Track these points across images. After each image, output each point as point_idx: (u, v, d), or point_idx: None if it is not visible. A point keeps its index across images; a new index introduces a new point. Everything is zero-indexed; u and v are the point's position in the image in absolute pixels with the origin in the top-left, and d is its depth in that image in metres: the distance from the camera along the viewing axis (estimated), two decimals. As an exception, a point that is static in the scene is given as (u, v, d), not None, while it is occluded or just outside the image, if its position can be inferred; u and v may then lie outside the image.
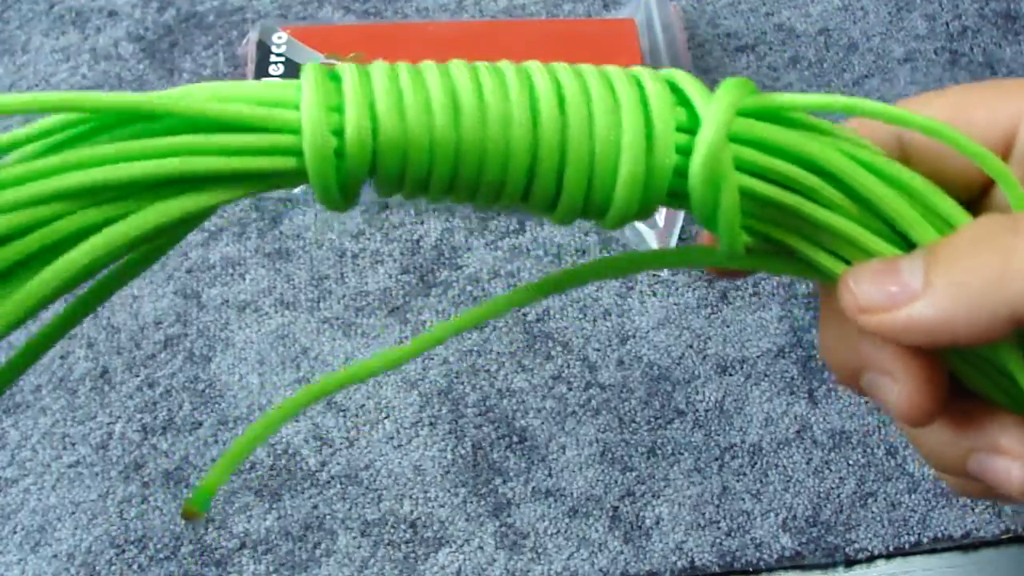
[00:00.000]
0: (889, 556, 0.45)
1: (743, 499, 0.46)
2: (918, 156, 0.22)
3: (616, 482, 0.46)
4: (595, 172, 0.21)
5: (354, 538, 0.44)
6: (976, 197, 0.22)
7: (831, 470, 0.46)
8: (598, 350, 0.49)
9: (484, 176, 0.20)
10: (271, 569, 0.44)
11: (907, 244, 0.22)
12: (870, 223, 0.22)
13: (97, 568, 0.44)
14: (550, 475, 0.46)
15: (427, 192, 0.21)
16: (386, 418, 0.47)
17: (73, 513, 0.45)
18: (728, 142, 0.20)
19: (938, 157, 0.22)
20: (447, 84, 0.20)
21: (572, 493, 0.46)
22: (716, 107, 0.20)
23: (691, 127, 0.21)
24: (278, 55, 0.54)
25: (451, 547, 0.44)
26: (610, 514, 0.45)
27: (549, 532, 0.45)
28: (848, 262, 0.22)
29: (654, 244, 0.51)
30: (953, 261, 0.20)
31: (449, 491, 0.46)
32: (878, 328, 0.21)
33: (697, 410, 0.48)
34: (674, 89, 0.21)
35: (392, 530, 0.45)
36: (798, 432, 0.47)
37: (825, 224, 0.22)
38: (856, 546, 0.45)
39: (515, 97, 0.20)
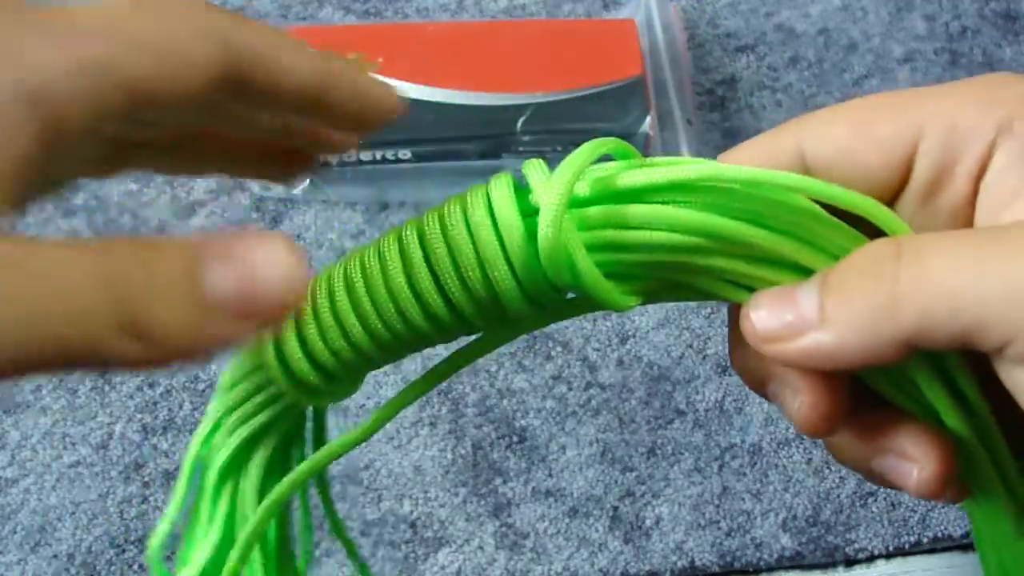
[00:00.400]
0: (889, 556, 0.45)
1: (743, 499, 0.46)
2: (822, 168, 0.22)
3: (616, 482, 0.46)
4: (480, 294, 0.22)
5: (354, 538, 0.44)
6: (897, 193, 0.23)
7: (831, 470, 0.46)
8: (598, 350, 0.49)
9: (401, 332, 0.23)
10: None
11: (806, 270, 0.22)
12: (760, 257, 0.22)
13: (97, 568, 0.44)
14: (550, 475, 0.46)
15: (377, 363, 0.24)
16: (386, 418, 0.47)
17: (73, 513, 0.45)
18: (572, 231, 0.21)
19: (842, 169, 0.22)
20: (340, 306, 0.23)
21: (572, 493, 0.46)
22: (544, 211, 0.20)
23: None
24: (278, 55, 0.54)
25: (451, 547, 0.44)
26: (610, 514, 0.45)
27: (549, 532, 0.45)
28: (750, 288, 0.22)
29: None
30: (844, 290, 0.21)
31: (449, 491, 0.46)
32: (778, 356, 0.22)
33: (697, 410, 0.48)
34: (523, 192, 0.22)
35: (392, 530, 0.45)
36: (798, 432, 0.47)
37: (713, 268, 0.22)
38: (856, 546, 0.45)
39: (393, 272, 0.22)
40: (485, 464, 0.46)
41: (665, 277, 0.23)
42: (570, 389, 0.48)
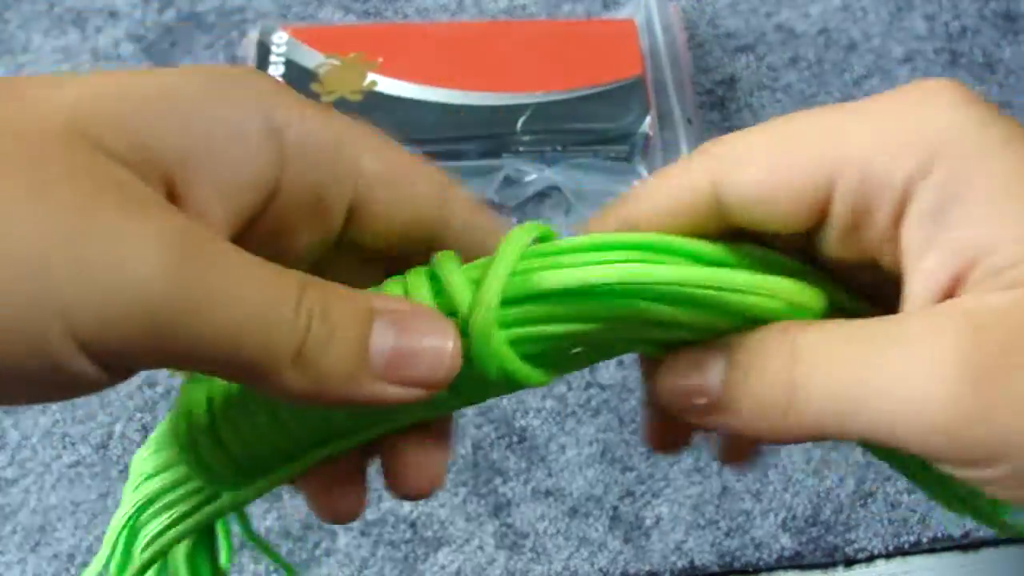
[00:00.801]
0: (889, 556, 0.45)
1: (743, 499, 0.46)
2: (737, 208, 0.22)
3: (616, 482, 0.46)
4: None
5: (354, 538, 0.44)
6: (813, 227, 0.22)
7: (831, 470, 0.46)
8: (598, 350, 0.49)
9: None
10: (271, 569, 0.44)
11: (721, 331, 0.23)
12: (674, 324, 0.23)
13: (97, 568, 0.44)
14: (550, 475, 0.46)
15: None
16: (386, 418, 0.47)
17: (73, 513, 0.45)
18: (500, 337, 0.22)
19: (757, 210, 0.22)
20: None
21: (572, 493, 0.46)
22: (474, 332, 0.21)
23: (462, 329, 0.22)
24: (278, 55, 0.54)
25: (451, 547, 0.44)
26: (610, 514, 0.45)
27: (549, 532, 0.45)
28: (663, 342, 0.23)
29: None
30: (746, 385, 0.21)
31: (449, 491, 0.46)
32: (693, 423, 0.23)
33: None
34: (438, 283, 0.22)
35: (392, 530, 0.45)
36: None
37: (628, 339, 0.23)
38: (856, 546, 0.45)
39: None
40: (485, 464, 0.46)
41: (581, 350, 0.24)
42: (570, 389, 0.48)
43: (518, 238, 0.22)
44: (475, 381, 0.22)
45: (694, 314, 0.22)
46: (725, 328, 0.22)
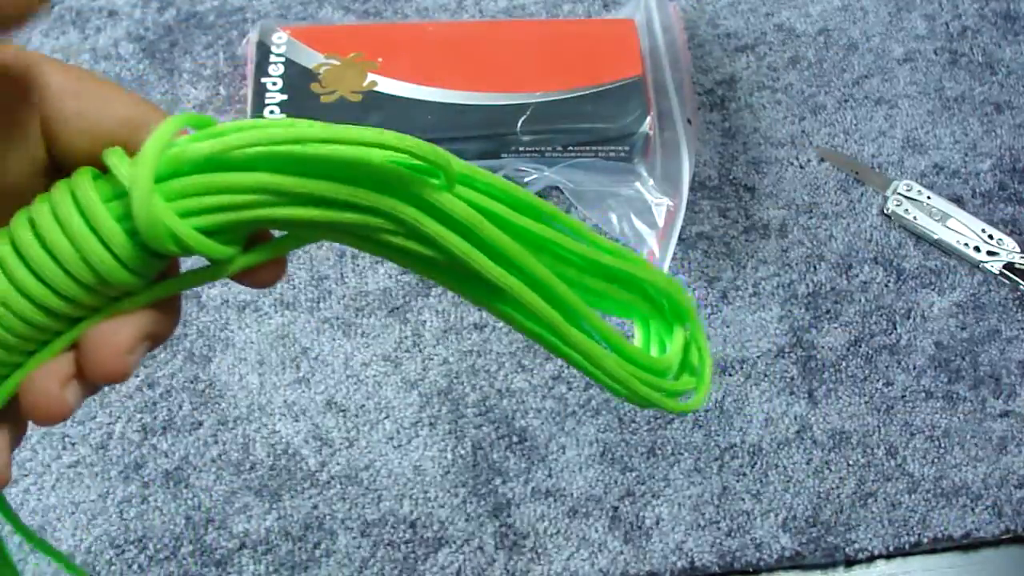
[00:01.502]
0: (889, 556, 0.45)
1: (743, 499, 0.46)
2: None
3: (616, 482, 0.46)
4: (92, 283, 0.23)
5: (354, 538, 0.44)
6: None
7: (831, 470, 0.46)
8: (598, 350, 0.49)
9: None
10: (271, 569, 0.44)
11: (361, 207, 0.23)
12: (331, 201, 0.24)
13: (97, 568, 0.44)
14: (550, 475, 0.46)
15: None
16: (386, 418, 0.47)
17: (73, 513, 0.45)
18: (164, 206, 0.23)
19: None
20: None
21: (572, 493, 0.46)
22: (134, 194, 0.22)
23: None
24: (278, 55, 0.54)
25: (451, 547, 0.44)
26: (610, 514, 0.45)
27: (549, 532, 0.45)
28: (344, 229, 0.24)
29: (655, 244, 0.51)
30: None
31: (449, 491, 0.46)
32: None
33: (697, 410, 0.48)
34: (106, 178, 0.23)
35: (392, 530, 0.45)
36: (798, 432, 0.47)
37: (296, 219, 0.24)
38: (856, 546, 0.45)
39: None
40: (485, 464, 0.46)
41: (285, 231, 0.25)
42: (570, 389, 0.48)
43: (171, 121, 0.23)
44: (160, 258, 0.23)
45: (325, 187, 0.23)
46: (364, 203, 0.23)
